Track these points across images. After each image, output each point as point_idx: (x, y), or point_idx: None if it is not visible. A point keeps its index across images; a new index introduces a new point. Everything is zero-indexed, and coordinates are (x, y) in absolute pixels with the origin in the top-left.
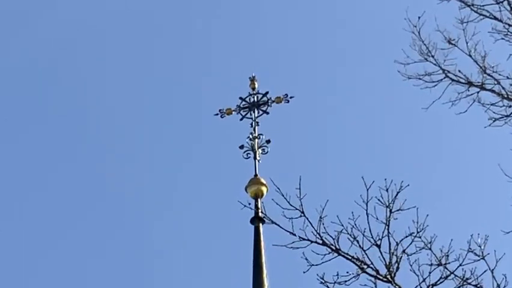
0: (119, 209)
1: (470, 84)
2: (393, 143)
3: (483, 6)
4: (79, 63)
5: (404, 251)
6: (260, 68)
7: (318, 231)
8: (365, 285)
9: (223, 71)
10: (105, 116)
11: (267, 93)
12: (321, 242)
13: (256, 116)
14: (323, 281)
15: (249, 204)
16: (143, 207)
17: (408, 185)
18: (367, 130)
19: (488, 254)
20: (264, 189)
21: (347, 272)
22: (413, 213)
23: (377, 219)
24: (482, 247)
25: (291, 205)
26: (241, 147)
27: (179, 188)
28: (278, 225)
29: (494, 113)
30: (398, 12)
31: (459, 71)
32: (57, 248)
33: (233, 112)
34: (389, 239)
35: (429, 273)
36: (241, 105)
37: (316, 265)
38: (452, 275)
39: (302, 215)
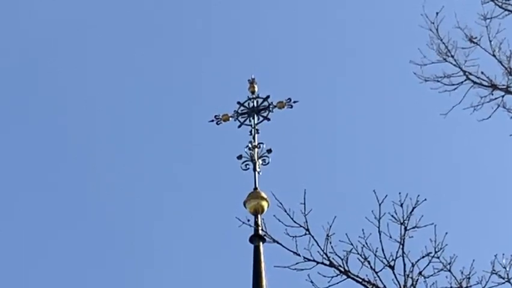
0: (109, 224)
1: (494, 87)
2: (408, 153)
3: (508, 0)
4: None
5: (420, 273)
6: (260, 70)
7: (324, 251)
8: None
9: (220, 73)
10: (92, 121)
11: (268, 97)
12: (328, 262)
13: (256, 122)
14: None
15: (248, 220)
16: (132, 225)
17: (425, 199)
18: (379, 139)
19: None
20: (264, 204)
21: None
22: (430, 230)
23: (391, 237)
24: (508, 268)
25: (294, 222)
26: (240, 157)
27: (169, 204)
28: (280, 244)
29: None
30: (413, 8)
31: (482, 72)
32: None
33: (230, 118)
34: (403, 259)
35: None
36: (240, 111)
37: None
38: None
39: (307, 232)
